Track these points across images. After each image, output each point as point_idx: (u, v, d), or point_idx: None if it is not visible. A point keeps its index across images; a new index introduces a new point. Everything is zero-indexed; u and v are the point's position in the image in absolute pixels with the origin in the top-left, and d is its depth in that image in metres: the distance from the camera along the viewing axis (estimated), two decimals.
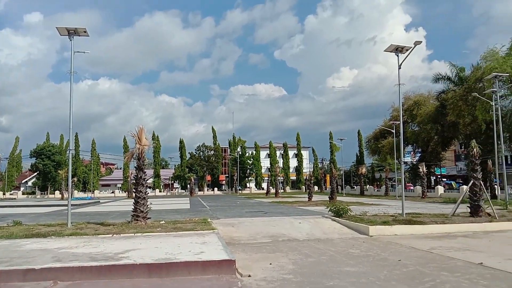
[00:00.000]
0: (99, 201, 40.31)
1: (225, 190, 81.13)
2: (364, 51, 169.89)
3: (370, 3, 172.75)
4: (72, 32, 12.89)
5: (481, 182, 15.19)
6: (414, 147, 57.32)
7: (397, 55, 14.95)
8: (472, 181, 15.17)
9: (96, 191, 72.20)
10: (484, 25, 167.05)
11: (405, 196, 17.54)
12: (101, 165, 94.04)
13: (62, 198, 52.69)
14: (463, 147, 57.72)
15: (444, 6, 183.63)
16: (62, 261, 7.10)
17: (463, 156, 62.91)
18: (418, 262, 7.87)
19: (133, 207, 13.15)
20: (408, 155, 60.43)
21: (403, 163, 16.62)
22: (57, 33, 13.02)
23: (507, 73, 27.03)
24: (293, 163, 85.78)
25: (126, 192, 60.85)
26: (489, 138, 32.32)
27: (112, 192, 73.37)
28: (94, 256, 7.60)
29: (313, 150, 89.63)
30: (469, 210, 15.13)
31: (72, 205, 14.77)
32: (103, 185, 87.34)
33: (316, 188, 69.09)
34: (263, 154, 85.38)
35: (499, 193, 27.92)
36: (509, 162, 45.37)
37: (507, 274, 6.72)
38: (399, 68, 15.07)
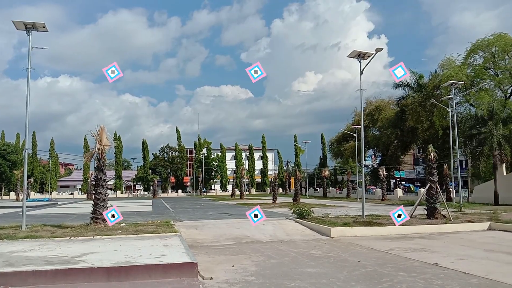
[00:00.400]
0: (57, 203, 38.86)
1: (190, 192, 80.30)
2: (328, 56, 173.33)
3: (334, 9, 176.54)
4: (30, 27, 12.37)
5: (437, 185, 15.83)
6: (375, 150, 59.11)
7: (359, 61, 15.33)
8: (429, 185, 15.76)
9: (54, 193, 69.49)
10: (443, 35, 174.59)
11: (365, 199, 18.01)
12: (60, 166, 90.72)
13: (17, 200, 50.43)
14: (421, 151, 59.90)
15: (405, 15, 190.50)
16: (15, 265, 6.78)
17: (421, 160, 65.31)
18: (376, 262, 8.09)
19: (93, 209, 12.80)
20: (369, 159, 62.19)
21: (363, 166, 17.06)
22: (14, 27, 12.47)
23: (462, 81, 28.34)
24: (258, 165, 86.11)
25: (86, 194, 59.02)
26: (446, 143, 33.74)
27: (71, 194, 70.89)
28: (50, 259, 7.32)
29: (278, 152, 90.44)
30: (426, 212, 15.73)
31: (27, 206, 14.17)
32: (62, 186, 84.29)
33: (280, 190, 69.62)
34: (228, 156, 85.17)
35: (454, 196, 29.14)
36: (463, 166, 47.50)
37: (459, 273, 7.03)
38: (361, 73, 15.47)
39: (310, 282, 6.50)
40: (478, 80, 34.28)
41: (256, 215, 14.47)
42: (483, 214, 17.25)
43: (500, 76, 34.09)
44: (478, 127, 27.44)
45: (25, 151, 13.80)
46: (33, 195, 61.43)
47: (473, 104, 34.27)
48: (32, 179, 67.43)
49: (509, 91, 35.23)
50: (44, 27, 12.53)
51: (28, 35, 12.49)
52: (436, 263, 7.89)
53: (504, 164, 27.70)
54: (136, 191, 78.49)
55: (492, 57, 33.89)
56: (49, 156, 76.87)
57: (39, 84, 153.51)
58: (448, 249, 9.77)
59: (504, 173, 28.10)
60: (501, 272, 7.04)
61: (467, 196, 32.27)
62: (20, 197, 49.70)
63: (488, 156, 26.79)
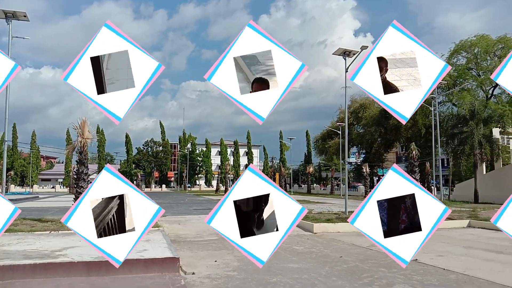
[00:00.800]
0: (38, 196, 38.27)
1: (174, 187, 79.87)
2: (315, 53, 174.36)
3: (321, 7, 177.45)
4: (10, 16, 12.06)
5: (419, 183, 16.05)
6: (359, 148, 59.66)
7: (345, 59, 15.40)
8: None
9: (35, 186, 68.35)
10: (428, 35, 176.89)
11: (349, 195, 18.18)
12: (42, 159, 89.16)
13: None
14: (404, 149, 60.68)
15: (391, 14, 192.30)
16: None
17: (403, 158, 66.02)
18: (358, 258, 8.17)
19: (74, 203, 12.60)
20: (353, 156, 62.79)
21: (347, 163, 17.23)
22: None
23: (445, 80, 28.74)
24: (243, 161, 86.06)
25: (68, 188, 58.22)
26: (428, 141, 34.20)
27: (53, 187, 69.88)
28: (28, 254, 7.19)
29: (264, 148, 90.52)
30: None
31: None
32: (43, 180, 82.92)
33: None
34: (214, 151, 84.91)
35: (436, 193, 29.63)
36: (445, 164, 48.31)
37: (438, 269, 7.15)
38: (346, 71, 15.55)
39: (292, 277, 6.53)
40: (461, 80, 34.86)
41: None
42: (463, 212, 17.56)
43: (482, 77, 34.72)
44: (459, 127, 27.92)
45: (5, 143, 13.55)
46: (13, 188, 60.30)
47: (456, 103, 34.85)
48: (12, 172, 66.17)
49: (490, 92, 35.94)
50: (25, 16, 12.24)
51: (8, 23, 12.19)
52: (416, 259, 7.98)
53: (484, 163, 28.27)
54: None
55: (474, 58, 34.50)
56: (30, 149, 75.48)
57: (21, 75, 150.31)
58: (428, 246, 9.85)
59: (484, 172, 28.68)
60: (479, 269, 7.19)
61: (448, 194, 32.86)
62: None
63: (469, 155, 27.30)
